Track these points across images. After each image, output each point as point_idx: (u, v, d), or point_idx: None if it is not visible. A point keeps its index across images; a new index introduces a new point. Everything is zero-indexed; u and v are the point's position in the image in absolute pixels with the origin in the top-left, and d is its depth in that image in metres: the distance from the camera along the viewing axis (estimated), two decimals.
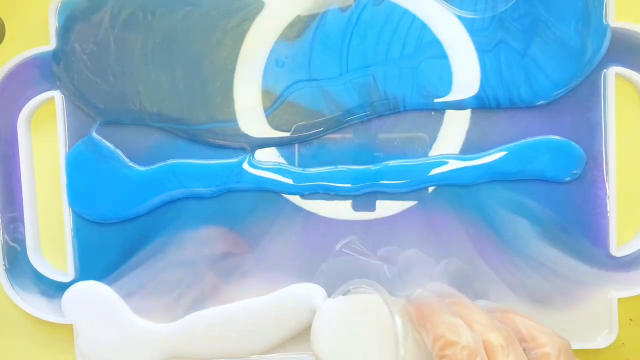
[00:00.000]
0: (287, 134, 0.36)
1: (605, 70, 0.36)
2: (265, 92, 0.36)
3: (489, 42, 0.35)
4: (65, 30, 0.36)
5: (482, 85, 0.35)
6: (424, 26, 0.35)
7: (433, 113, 0.36)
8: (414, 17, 0.35)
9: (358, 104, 0.36)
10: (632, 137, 0.37)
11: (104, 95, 0.36)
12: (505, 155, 0.36)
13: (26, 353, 0.39)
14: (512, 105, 0.36)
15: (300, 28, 0.36)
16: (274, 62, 0.36)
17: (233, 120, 0.36)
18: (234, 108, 0.36)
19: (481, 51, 0.35)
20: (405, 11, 0.36)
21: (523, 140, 0.36)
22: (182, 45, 0.36)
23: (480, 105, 0.36)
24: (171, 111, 0.36)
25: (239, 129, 0.36)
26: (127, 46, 0.36)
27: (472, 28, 0.35)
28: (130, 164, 0.37)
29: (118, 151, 0.37)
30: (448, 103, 0.36)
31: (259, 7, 0.36)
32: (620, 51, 0.36)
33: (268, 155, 0.37)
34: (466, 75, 0.36)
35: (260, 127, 0.36)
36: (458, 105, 0.36)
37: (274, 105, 0.36)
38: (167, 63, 0.36)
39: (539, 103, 0.35)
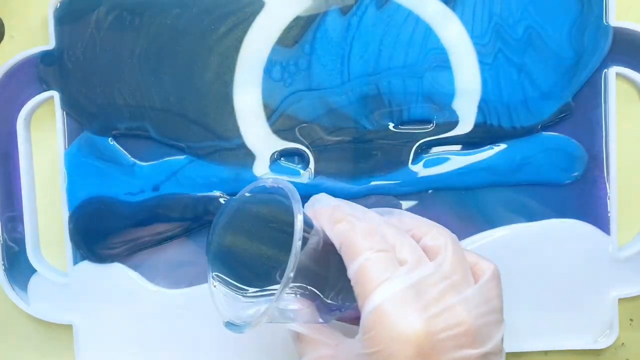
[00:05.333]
0: (291, 145, 0.36)
1: (606, 70, 0.36)
2: (264, 103, 0.36)
3: (488, 53, 0.35)
4: (56, 33, 0.36)
5: (483, 100, 0.35)
6: (427, 29, 0.35)
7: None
8: (417, 19, 0.35)
9: (361, 114, 0.36)
10: (633, 137, 0.37)
11: (92, 105, 0.36)
12: (504, 150, 0.36)
13: (26, 353, 0.39)
14: (511, 125, 0.36)
15: (298, 32, 0.35)
16: (271, 70, 0.35)
17: (236, 136, 0.36)
18: (235, 122, 0.36)
19: (482, 63, 0.35)
20: (409, 13, 0.35)
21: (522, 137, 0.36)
22: (172, 53, 0.35)
23: (482, 120, 0.36)
24: (166, 126, 0.36)
25: (243, 145, 0.36)
26: (114, 52, 0.35)
27: (472, 34, 0.35)
28: (132, 159, 0.36)
29: (118, 146, 0.36)
30: (451, 114, 0.36)
31: (254, 9, 0.35)
32: (620, 51, 0.36)
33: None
34: (468, 84, 0.35)
35: (265, 139, 0.36)
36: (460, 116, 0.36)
37: (272, 119, 0.36)
38: (156, 72, 0.35)
39: (538, 125, 0.36)
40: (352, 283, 0.27)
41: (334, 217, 0.28)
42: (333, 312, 0.29)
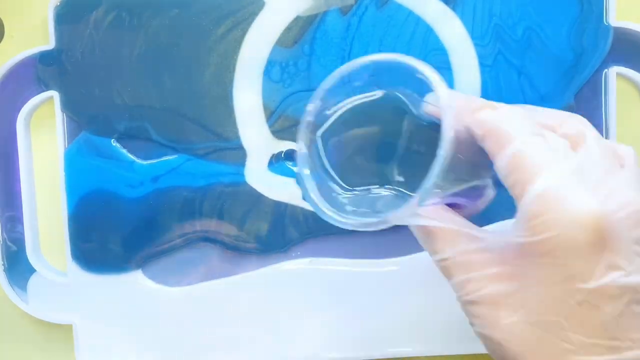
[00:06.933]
0: (290, 145, 0.36)
1: (606, 70, 0.36)
2: (264, 104, 0.36)
3: (488, 54, 0.35)
4: (56, 33, 0.36)
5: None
6: (428, 30, 0.35)
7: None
8: (417, 19, 0.35)
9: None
10: (633, 137, 0.37)
11: (91, 106, 0.36)
12: None
13: (26, 353, 0.39)
14: None
15: (298, 33, 0.35)
16: (270, 71, 0.35)
17: (236, 137, 0.36)
18: (235, 123, 0.36)
19: (482, 65, 0.35)
20: (410, 13, 0.35)
21: None
22: (171, 53, 0.35)
23: None
24: (165, 127, 0.36)
25: (242, 146, 0.36)
26: (113, 53, 0.35)
27: (473, 34, 0.35)
28: (131, 157, 0.36)
29: (119, 146, 0.36)
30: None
31: (254, 10, 0.35)
32: (620, 51, 0.36)
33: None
34: (468, 86, 0.35)
35: (265, 140, 0.36)
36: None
37: (271, 119, 0.36)
38: (155, 73, 0.35)
39: None
40: (505, 172, 0.25)
41: (472, 104, 0.27)
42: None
